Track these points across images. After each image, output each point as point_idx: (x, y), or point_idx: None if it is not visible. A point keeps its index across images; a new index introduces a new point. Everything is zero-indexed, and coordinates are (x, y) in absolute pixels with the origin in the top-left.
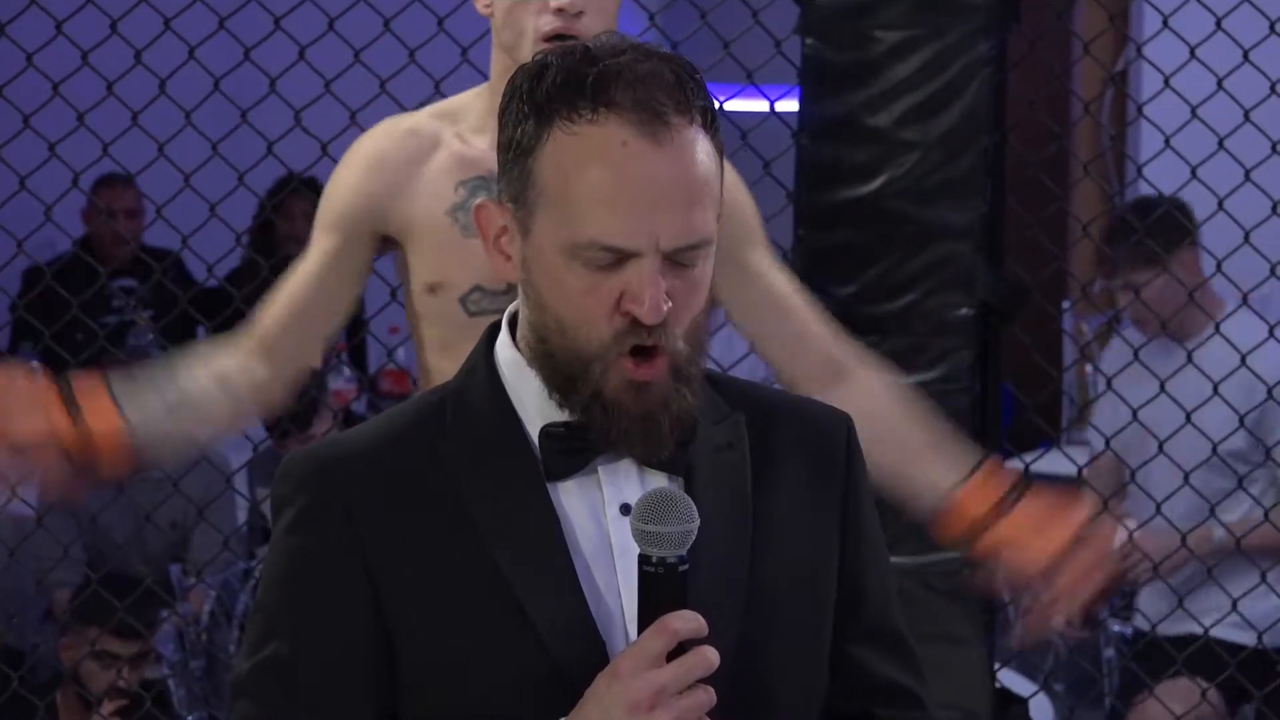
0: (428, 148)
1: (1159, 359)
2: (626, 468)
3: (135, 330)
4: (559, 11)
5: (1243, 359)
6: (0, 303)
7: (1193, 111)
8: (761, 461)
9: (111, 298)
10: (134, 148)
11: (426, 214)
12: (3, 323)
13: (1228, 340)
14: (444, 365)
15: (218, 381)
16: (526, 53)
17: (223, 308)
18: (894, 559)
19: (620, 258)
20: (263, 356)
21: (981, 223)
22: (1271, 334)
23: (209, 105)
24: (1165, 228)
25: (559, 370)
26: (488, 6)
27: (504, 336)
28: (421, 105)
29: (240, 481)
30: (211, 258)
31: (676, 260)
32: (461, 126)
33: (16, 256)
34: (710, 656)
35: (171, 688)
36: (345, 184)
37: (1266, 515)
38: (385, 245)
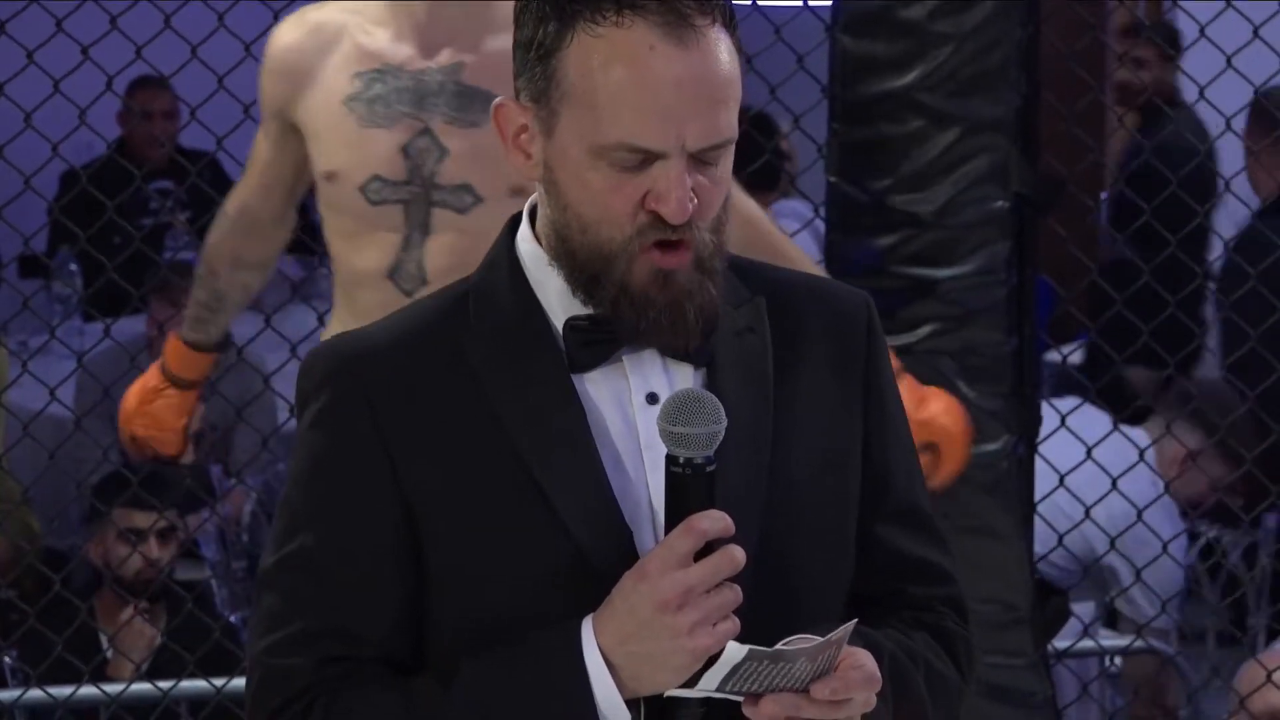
0: (330, 40)
1: None
2: (650, 357)
3: (172, 232)
4: None
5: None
6: (37, 206)
7: (1228, 2)
8: (783, 345)
9: (148, 200)
10: (168, 50)
11: (324, 105)
12: (40, 226)
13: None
14: (349, 254)
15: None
16: None
17: None
18: None
19: (646, 158)
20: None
21: (1016, 115)
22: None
23: (241, 7)
24: None
25: (582, 269)
26: None
27: (524, 229)
28: None
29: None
30: (246, 158)
31: (701, 159)
32: (364, 18)
33: (53, 160)
34: (737, 555)
35: (214, 588)
36: (263, 80)
37: None
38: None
